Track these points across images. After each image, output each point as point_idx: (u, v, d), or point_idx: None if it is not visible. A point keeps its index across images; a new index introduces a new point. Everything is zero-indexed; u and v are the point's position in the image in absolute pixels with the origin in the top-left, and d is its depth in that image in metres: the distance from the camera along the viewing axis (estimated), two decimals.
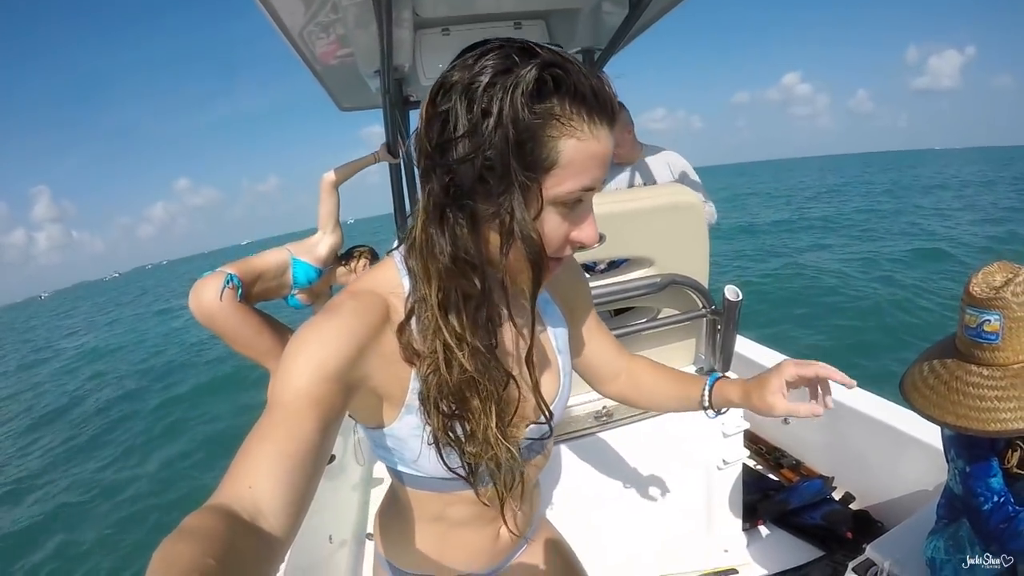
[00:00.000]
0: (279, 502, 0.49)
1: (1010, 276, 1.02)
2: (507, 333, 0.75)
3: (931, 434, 1.87)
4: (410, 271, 0.67)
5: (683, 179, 2.01)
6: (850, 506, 2.13)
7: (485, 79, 0.54)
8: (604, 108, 0.58)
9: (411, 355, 0.66)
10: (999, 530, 1.07)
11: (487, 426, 0.67)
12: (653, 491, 1.90)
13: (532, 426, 0.77)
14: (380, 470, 2.28)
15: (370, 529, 2.14)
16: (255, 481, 0.49)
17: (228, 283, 2.24)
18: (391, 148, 2.60)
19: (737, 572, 2.00)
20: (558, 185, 0.58)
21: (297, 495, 0.51)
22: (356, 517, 2.18)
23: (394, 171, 2.87)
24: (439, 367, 0.64)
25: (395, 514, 0.91)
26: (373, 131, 2.88)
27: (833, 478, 2.25)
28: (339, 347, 0.59)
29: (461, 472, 0.70)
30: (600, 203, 1.67)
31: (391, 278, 0.69)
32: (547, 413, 0.75)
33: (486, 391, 0.66)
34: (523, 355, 0.72)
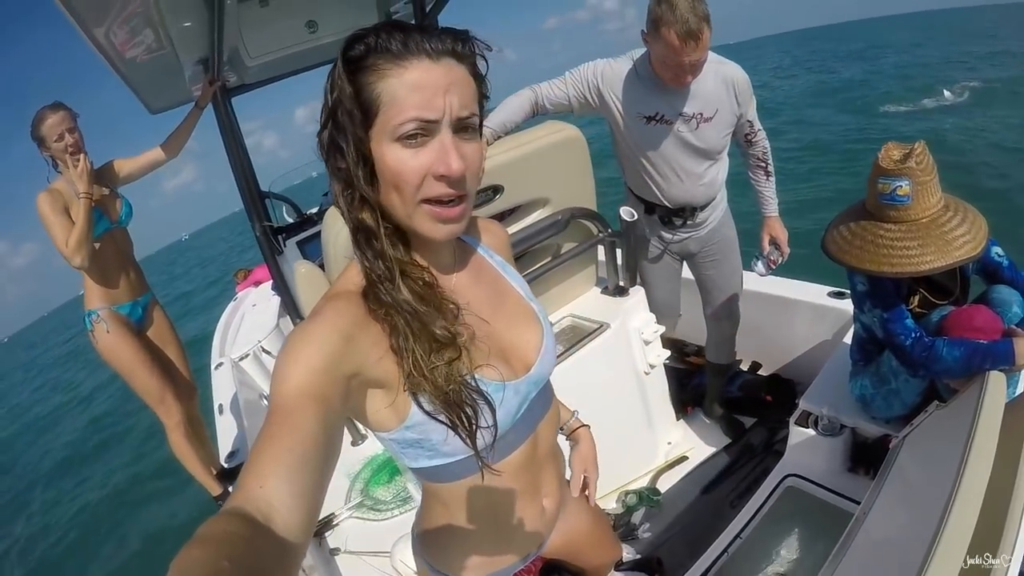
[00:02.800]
0: (291, 498, 0.50)
1: (906, 151, 1.22)
2: (466, 285, 0.79)
3: (815, 295, 2.20)
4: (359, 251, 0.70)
5: (744, 101, 1.75)
6: (759, 372, 2.46)
7: (335, 64, 0.63)
8: (416, 46, 0.62)
9: (382, 313, 0.67)
10: (923, 357, 1.31)
11: (419, 356, 0.67)
12: (595, 411, 2.02)
13: (524, 376, 0.79)
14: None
15: (333, 545, 2.08)
16: (265, 481, 0.50)
17: (90, 325, 2.40)
18: (212, 76, 2.29)
19: (687, 458, 2.24)
20: (391, 120, 0.62)
21: (308, 490, 0.52)
22: (312, 543, 2.08)
23: (236, 166, 2.59)
24: (394, 310, 0.67)
25: (441, 523, 0.89)
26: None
27: (736, 351, 2.55)
28: (324, 341, 0.61)
29: (442, 419, 0.70)
30: (494, 151, 1.67)
31: (358, 276, 0.70)
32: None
33: (422, 328, 0.67)
34: (486, 300, 0.79)
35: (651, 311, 2.08)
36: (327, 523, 2.04)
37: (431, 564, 0.94)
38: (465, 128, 0.65)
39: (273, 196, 3.00)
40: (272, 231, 2.59)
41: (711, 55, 1.66)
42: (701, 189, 1.84)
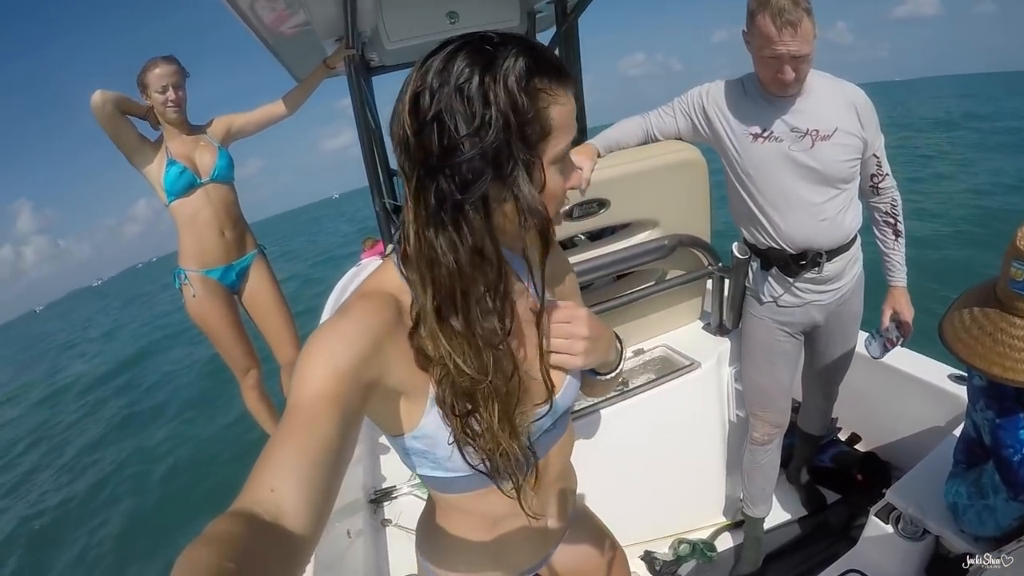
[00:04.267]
0: (301, 503, 0.50)
1: None
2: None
3: (934, 374, 1.94)
4: (407, 278, 0.69)
5: (869, 125, 1.54)
6: (856, 447, 2.22)
7: (475, 75, 0.58)
8: (565, 73, 0.64)
9: (424, 362, 0.67)
10: None
11: (491, 423, 0.69)
12: (669, 450, 1.95)
13: (542, 407, 0.77)
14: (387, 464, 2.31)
15: (388, 515, 2.18)
16: (276, 483, 0.50)
17: (178, 283, 2.35)
18: (348, 43, 2.28)
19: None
20: (555, 147, 0.64)
21: (319, 495, 0.52)
22: (367, 508, 2.21)
23: (365, 142, 2.76)
24: (449, 371, 0.66)
25: (441, 527, 0.91)
26: (347, 102, 2.71)
27: (837, 418, 2.32)
28: (352, 345, 0.60)
29: (483, 468, 0.71)
30: (605, 164, 1.65)
31: (394, 278, 0.70)
32: (550, 385, 0.76)
33: (490, 388, 0.68)
34: (526, 334, 0.77)
35: (749, 403, 1.89)
36: (387, 493, 2.13)
37: (429, 563, 0.96)
38: None
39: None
40: (392, 208, 2.69)
41: (827, 75, 1.51)
42: (823, 226, 1.55)
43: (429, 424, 0.70)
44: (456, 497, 0.83)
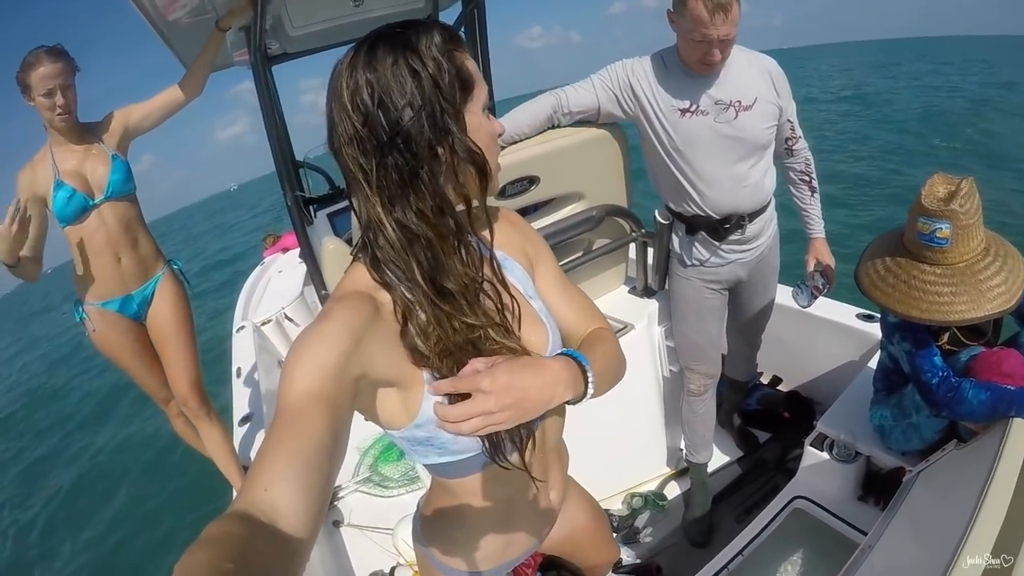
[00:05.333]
0: (295, 501, 0.51)
1: (952, 189, 1.17)
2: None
3: (843, 315, 2.15)
4: (384, 283, 0.71)
5: (783, 92, 1.64)
6: (779, 388, 2.43)
7: (400, 56, 0.65)
8: (460, 35, 0.71)
9: (419, 359, 0.69)
10: (947, 398, 1.27)
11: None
12: (610, 411, 2.02)
13: None
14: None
15: (337, 516, 2.13)
16: (270, 483, 0.51)
17: (78, 316, 2.14)
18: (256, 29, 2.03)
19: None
20: (480, 94, 0.71)
21: (312, 493, 0.53)
22: None
23: (272, 135, 2.61)
24: (447, 345, 0.70)
25: (448, 514, 0.91)
26: (245, 87, 2.46)
27: (758, 364, 2.52)
28: (335, 342, 0.61)
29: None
30: (534, 143, 1.66)
31: (366, 279, 0.72)
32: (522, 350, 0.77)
33: (486, 334, 0.74)
34: (493, 303, 0.77)
35: (683, 358, 1.98)
36: (333, 494, 2.07)
37: (432, 553, 0.95)
38: None
39: (308, 166, 3.01)
40: (304, 201, 2.60)
41: (741, 48, 1.57)
42: (746, 192, 1.65)
43: (430, 409, 0.69)
44: (467, 481, 0.83)
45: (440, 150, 0.67)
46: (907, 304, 1.24)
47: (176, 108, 2.16)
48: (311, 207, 2.64)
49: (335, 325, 0.63)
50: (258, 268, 4.55)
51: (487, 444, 0.73)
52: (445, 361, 0.69)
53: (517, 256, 0.88)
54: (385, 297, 0.70)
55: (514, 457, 0.75)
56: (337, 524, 2.12)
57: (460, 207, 0.73)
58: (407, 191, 0.67)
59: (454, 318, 0.71)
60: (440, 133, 0.66)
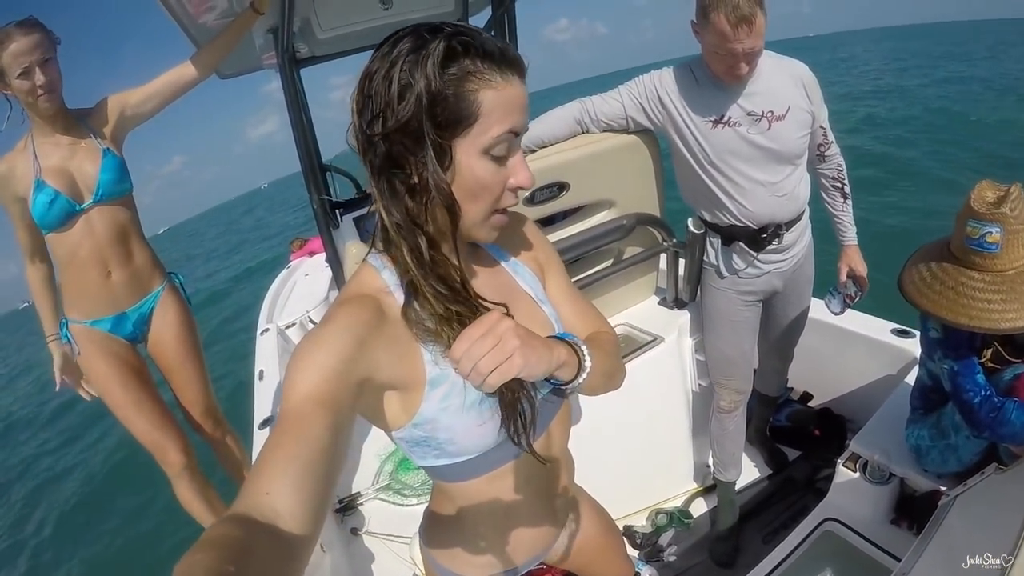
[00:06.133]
0: (296, 505, 0.51)
1: (1001, 194, 1.12)
2: (479, 287, 0.76)
3: (877, 330, 2.07)
4: (390, 259, 0.72)
5: (816, 99, 1.60)
6: (809, 404, 2.35)
7: (401, 59, 0.62)
8: (511, 61, 0.65)
9: (424, 333, 0.69)
10: (989, 419, 1.21)
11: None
12: (637, 424, 1.99)
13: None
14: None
15: (356, 524, 2.11)
16: (271, 487, 0.51)
17: (66, 338, 1.89)
18: (284, 30, 1.93)
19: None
20: (485, 132, 0.64)
21: (313, 496, 0.53)
22: (333, 518, 2.14)
23: (300, 137, 2.64)
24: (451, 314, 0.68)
25: (449, 521, 0.90)
26: (276, 86, 2.49)
27: (788, 379, 2.44)
28: (337, 346, 0.61)
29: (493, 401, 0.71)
30: (564, 148, 1.64)
31: (372, 279, 0.72)
32: None
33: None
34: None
35: (714, 373, 1.93)
36: (352, 501, 2.07)
37: (436, 560, 0.95)
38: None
39: (335, 170, 3.03)
40: (330, 205, 2.61)
41: (771, 54, 1.54)
42: (783, 201, 1.62)
43: (428, 409, 0.71)
44: (465, 485, 0.82)
45: (410, 171, 0.66)
46: (955, 311, 1.18)
47: (185, 87, 1.87)
48: (337, 211, 2.66)
49: (337, 329, 0.63)
50: (284, 271, 4.61)
51: (504, 413, 0.70)
52: (446, 330, 0.69)
53: (528, 262, 0.89)
54: (390, 299, 0.70)
55: (524, 441, 0.73)
56: (355, 532, 2.11)
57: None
58: (386, 189, 0.68)
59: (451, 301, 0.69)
60: (412, 154, 0.64)
